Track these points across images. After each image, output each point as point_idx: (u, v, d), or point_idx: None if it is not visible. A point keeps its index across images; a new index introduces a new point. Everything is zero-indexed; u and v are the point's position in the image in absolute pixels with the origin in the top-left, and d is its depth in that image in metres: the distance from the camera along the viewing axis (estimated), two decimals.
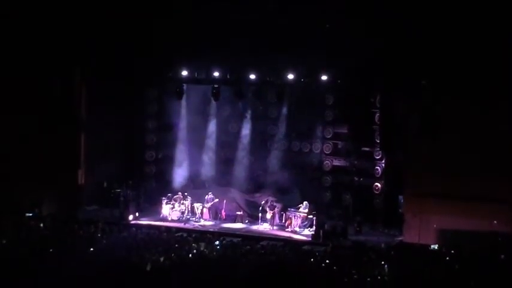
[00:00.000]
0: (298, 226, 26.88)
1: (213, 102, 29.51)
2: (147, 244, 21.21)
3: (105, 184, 29.27)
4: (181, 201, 28.44)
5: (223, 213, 28.28)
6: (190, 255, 20.05)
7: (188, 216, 28.28)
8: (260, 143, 29.80)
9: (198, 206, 28.37)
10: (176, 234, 23.80)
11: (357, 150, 28.32)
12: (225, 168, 29.82)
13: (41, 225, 23.99)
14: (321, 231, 25.32)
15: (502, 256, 21.00)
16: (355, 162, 28.38)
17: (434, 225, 24.34)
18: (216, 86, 28.20)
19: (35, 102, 27.18)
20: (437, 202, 24.43)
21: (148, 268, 17.82)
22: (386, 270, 18.57)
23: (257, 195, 29.20)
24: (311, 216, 26.73)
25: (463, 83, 23.73)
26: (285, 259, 20.39)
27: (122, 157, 30.02)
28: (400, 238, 25.28)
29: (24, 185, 27.01)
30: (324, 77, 26.70)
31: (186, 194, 28.65)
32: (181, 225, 27.35)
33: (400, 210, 26.35)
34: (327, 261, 19.67)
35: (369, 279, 17.70)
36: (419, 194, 24.82)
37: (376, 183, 27.42)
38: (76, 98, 28.20)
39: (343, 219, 26.86)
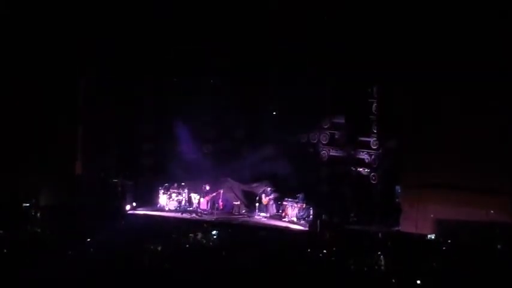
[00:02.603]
0: (295, 216, 26.93)
1: (211, 93, 29.47)
2: (144, 234, 21.23)
3: (102, 174, 29.28)
4: (179, 191, 28.49)
5: (220, 203, 28.30)
6: (187, 245, 20.10)
7: (185, 206, 28.34)
8: (257, 133, 29.73)
9: (195, 196, 28.43)
10: (173, 224, 23.83)
11: (354, 140, 28.28)
12: (222, 158, 29.76)
13: (38, 215, 24.00)
14: (318, 221, 25.36)
15: (499, 246, 21.06)
16: (353, 152, 28.33)
17: (432, 215, 24.35)
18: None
19: (33, 94, 27.10)
20: (434, 192, 24.43)
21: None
22: (383, 260, 18.62)
23: (254, 185, 29.19)
24: (308, 206, 26.78)
25: (462, 72, 23.67)
26: (281, 249, 20.42)
27: (120, 147, 29.96)
28: (397, 228, 25.30)
29: (22, 176, 26.96)
30: (322, 67, 26.72)
31: (183, 184, 28.69)
32: (178, 215, 27.41)
33: (397, 200, 26.37)
34: (324, 251, 19.71)
35: (365, 269, 17.76)
36: (416, 184, 24.83)
37: (373, 173, 27.42)
38: (74, 89, 28.11)
39: (340, 209, 26.85)
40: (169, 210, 28.04)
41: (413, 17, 23.90)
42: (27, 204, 25.90)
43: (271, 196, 27.71)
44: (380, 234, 23.59)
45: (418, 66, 24.17)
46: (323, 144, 28.90)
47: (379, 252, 19.29)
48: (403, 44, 24.32)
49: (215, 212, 27.75)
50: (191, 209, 28.24)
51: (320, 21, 25.33)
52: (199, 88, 29.57)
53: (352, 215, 26.59)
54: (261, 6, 25.16)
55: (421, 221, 24.32)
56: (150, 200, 28.95)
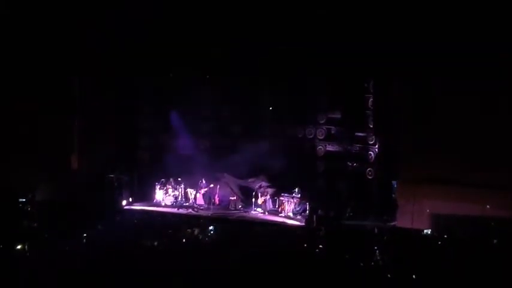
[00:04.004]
0: (292, 211, 26.96)
1: (207, 87, 29.46)
2: (140, 229, 21.25)
3: (98, 170, 29.24)
4: (175, 187, 28.51)
5: (216, 198, 28.33)
6: (184, 240, 20.11)
7: (181, 202, 28.35)
8: (253, 128, 29.73)
9: (191, 191, 28.44)
10: (170, 220, 23.86)
11: (351, 136, 28.28)
12: (218, 153, 29.77)
13: (35, 211, 24.00)
14: (314, 216, 25.37)
15: (495, 241, 21.10)
16: (349, 147, 28.36)
17: (428, 210, 24.40)
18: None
19: (29, 88, 27.07)
20: (430, 187, 24.45)
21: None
22: (379, 255, 18.65)
23: (250, 180, 29.19)
24: (304, 201, 26.80)
25: (458, 65, 23.66)
26: (278, 244, 20.44)
27: (116, 142, 29.94)
28: (393, 223, 25.35)
29: (18, 171, 26.93)
30: (318, 61, 26.75)
31: (179, 179, 28.70)
32: (174, 210, 27.43)
33: (393, 195, 26.42)
34: (320, 246, 19.74)
35: (361, 264, 17.79)
36: (412, 179, 24.86)
37: (370, 169, 27.43)
38: (70, 83, 28.08)
39: (337, 205, 26.87)
40: (166, 206, 28.06)
41: (411, 10, 23.89)
42: (24, 200, 25.91)
43: (268, 197, 27.74)
44: (376, 230, 23.61)
45: (414, 61, 24.17)
46: (319, 139, 28.90)
47: (375, 248, 19.32)
48: (398, 38, 24.31)
49: (211, 207, 27.77)
50: (187, 204, 28.26)
51: (315, 14, 25.31)
52: (196, 83, 29.57)
53: (348, 210, 26.61)
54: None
55: (417, 216, 24.36)
56: (146, 196, 28.97)
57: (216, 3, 25.63)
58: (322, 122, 28.79)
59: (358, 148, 27.92)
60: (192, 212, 27.44)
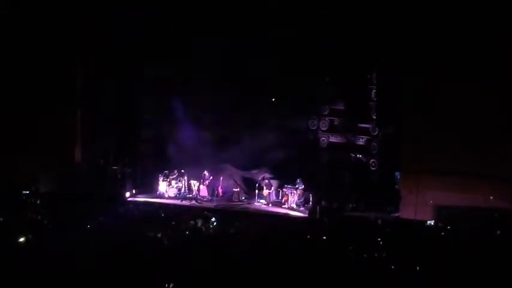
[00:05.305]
0: (295, 203, 26.98)
1: (209, 79, 29.42)
2: (144, 221, 21.25)
3: (102, 161, 29.25)
4: (178, 178, 28.53)
5: (220, 190, 28.36)
6: (187, 231, 20.11)
7: (185, 193, 28.38)
8: (256, 119, 29.69)
9: (194, 183, 28.47)
10: (173, 211, 23.87)
11: (354, 127, 28.28)
12: (221, 145, 29.76)
13: (38, 203, 24.02)
14: (318, 207, 25.40)
15: (498, 232, 21.09)
16: (352, 138, 28.35)
17: (431, 202, 24.40)
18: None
19: (32, 80, 27.05)
20: (434, 178, 24.47)
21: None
22: (383, 246, 18.63)
23: (254, 171, 29.25)
24: (308, 193, 26.81)
25: (460, 58, 23.62)
26: (281, 236, 20.43)
27: (119, 134, 29.92)
28: (396, 214, 25.35)
29: (21, 163, 26.95)
30: (321, 53, 26.76)
31: (182, 171, 28.72)
32: (178, 202, 27.45)
33: (396, 187, 26.43)
34: (323, 237, 19.74)
35: (365, 255, 17.77)
36: (416, 170, 24.86)
37: (373, 160, 27.43)
38: (72, 75, 28.06)
39: (340, 196, 26.88)
40: (169, 197, 28.11)
41: (413, 2, 23.86)
42: (27, 192, 25.94)
43: (273, 187, 27.77)
44: (379, 221, 23.62)
45: (417, 52, 24.13)
46: (322, 130, 28.88)
47: (378, 239, 19.30)
48: (402, 30, 24.26)
49: (215, 198, 27.79)
50: (191, 196, 28.29)
51: (319, 6, 25.29)
52: (199, 74, 29.53)
53: (351, 201, 26.61)
54: None
55: (420, 207, 24.38)
56: (149, 187, 29.03)
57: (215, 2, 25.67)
58: (325, 113, 28.76)
59: (361, 139, 27.93)
60: (196, 203, 27.48)
